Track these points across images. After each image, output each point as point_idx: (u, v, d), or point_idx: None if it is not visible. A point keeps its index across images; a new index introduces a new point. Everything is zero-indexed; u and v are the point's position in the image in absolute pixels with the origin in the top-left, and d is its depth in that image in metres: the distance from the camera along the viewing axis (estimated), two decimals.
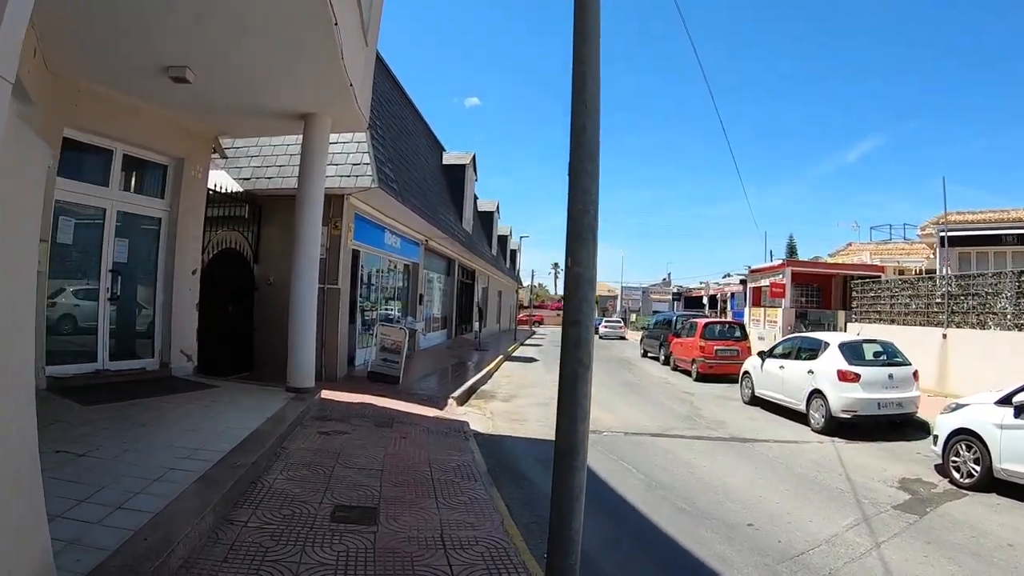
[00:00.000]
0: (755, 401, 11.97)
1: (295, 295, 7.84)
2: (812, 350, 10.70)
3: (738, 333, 16.64)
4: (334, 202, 9.90)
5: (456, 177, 18.00)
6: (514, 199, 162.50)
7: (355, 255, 10.87)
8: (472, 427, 7.97)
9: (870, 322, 16.60)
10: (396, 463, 5.45)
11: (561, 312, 2.92)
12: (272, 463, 5.03)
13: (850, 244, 26.75)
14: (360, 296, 11.39)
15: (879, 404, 9.49)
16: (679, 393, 13.68)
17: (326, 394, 8.31)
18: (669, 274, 71.08)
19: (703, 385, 15.09)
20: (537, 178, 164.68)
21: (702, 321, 16.93)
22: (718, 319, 18.80)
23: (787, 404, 10.78)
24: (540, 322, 61.69)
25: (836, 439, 9.18)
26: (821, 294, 24.63)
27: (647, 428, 9.25)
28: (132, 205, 8.09)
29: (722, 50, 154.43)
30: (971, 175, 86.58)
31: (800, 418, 10.26)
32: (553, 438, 2.84)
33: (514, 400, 11.29)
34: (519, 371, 16.04)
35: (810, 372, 10.22)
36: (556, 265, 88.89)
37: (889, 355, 10.40)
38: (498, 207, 30.31)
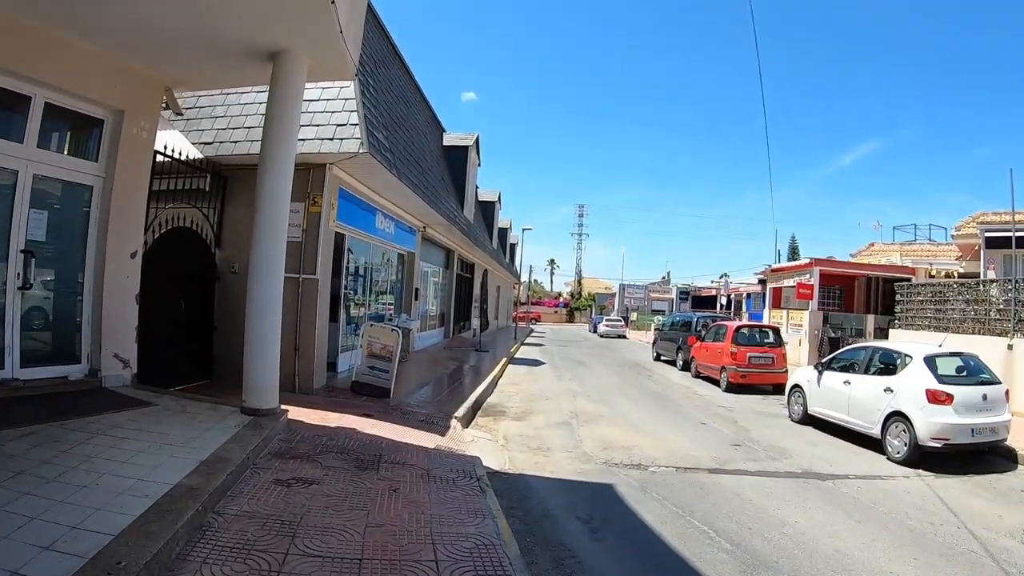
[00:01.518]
0: (807, 419, 10.22)
1: (253, 287, 5.98)
2: (888, 364, 8.96)
3: (772, 338, 14.87)
4: (314, 173, 8.01)
5: (457, 160, 16.05)
6: (509, 195, 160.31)
7: (339, 240, 9.01)
8: (485, 462, 6.14)
9: (916, 329, 14.89)
10: (383, 543, 3.61)
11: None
12: (187, 554, 3.18)
13: (872, 244, 25.07)
14: (346, 288, 9.54)
15: (973, 431, 7.85)
16: (714, 407, 11.91)
17: (296, 413, 6.47)
18: (668, 272, 69.55)
19: (737, 397, 13.34)
20: (533, 174, 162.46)
21: (733, 324, 15.14)
22: (751, 322, 16.96)
23: (853, 427, 9.03)
24: (537, 319, 59.93)
25: (921, 471, 7.58)
26: (843, 296, 22.94)
27: (700, 460, 7.46)
28: (54, 168, 6.24)
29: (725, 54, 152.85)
30: (966, 184, 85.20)
31: (868, 442, 8.57)
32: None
33: (529, 419, 9.47)
34: (526, 378, 14.23)
35: (887, 391, 8.47)
36: (552, 261, 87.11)
37: (974, 371, 8.71)
38: (499, 197, 28.42)
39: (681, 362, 18.28)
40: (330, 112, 7.85)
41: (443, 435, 6.95)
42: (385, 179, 8.76)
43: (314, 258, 7.90)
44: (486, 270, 28.24)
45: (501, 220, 32.64)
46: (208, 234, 8.37)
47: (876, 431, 8.48)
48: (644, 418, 10.22)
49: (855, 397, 9.11)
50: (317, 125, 7.74)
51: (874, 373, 9.08)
